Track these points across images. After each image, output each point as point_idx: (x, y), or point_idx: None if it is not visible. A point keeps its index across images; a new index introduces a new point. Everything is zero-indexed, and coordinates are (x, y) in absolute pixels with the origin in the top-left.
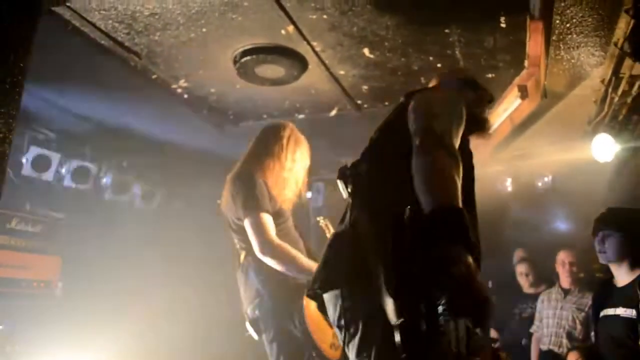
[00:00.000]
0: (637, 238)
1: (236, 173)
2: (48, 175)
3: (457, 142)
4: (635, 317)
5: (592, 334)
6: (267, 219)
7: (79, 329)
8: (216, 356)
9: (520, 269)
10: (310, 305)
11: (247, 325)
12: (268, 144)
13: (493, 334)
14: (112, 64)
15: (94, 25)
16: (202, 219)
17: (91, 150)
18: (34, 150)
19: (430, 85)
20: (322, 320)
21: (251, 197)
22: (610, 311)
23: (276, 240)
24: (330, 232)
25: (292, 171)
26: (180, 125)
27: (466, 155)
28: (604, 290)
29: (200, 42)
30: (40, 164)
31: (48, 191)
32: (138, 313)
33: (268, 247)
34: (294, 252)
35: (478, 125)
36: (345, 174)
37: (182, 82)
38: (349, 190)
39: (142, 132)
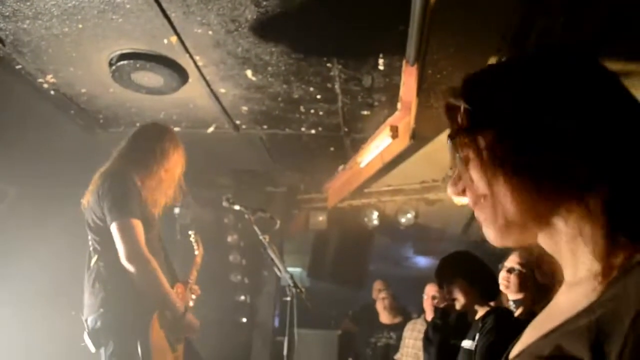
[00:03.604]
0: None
1: (108, 171)
2: None
3: None
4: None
5: None
6: (138, 226)
7: None
8: None
9: (381, 295)
10: (155, 325)
11: (85, 335)
12: (148, 143)
13: None
14: None
15: None
16: (59, 220)
17: None
18: None
19: None
20: (164, 341)
21: (122, 199)
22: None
23: (146, 251)
24: (200, 248)
25: (169, 175)
26: (42, 123)
27: None
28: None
29: (74, 38)
30: None
31: None
32: None
33: (136, 256)
34: (158, 269)
35: None
36: None
37: (50, 78)
38: None
39: None
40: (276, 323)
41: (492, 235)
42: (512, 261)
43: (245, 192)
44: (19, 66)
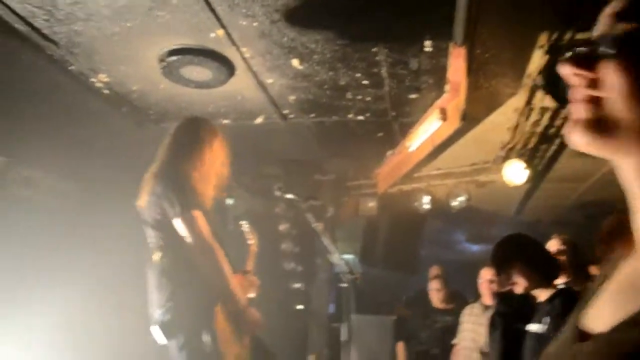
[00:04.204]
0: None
1: (161, 170)
2: None
3: None
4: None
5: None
6: (201, 218)
7: None
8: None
9: (434, 285)
10: (219, 316)
11: (153, 328)
12: (191, 137)
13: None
14: (26, 51)
15: (8, 7)
16: (117, 218)
17: None
18: None
19: None
20: (229, 331)
21: (181, 195)
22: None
23: (212, 242)
24: (253, 237)
25: (214, 167)
26: (96, 120)
27: None
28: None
29: (124, 37)
30: None
31: None
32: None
33: (202, 248)
34: (224, 260)
35: None
36: None
37: (103, 77)
38: None
39: (54, 125)
40: (331, 309)
41: (586, 136)
42: (554, 245)
43: (294, 181)
44: (72, 67)
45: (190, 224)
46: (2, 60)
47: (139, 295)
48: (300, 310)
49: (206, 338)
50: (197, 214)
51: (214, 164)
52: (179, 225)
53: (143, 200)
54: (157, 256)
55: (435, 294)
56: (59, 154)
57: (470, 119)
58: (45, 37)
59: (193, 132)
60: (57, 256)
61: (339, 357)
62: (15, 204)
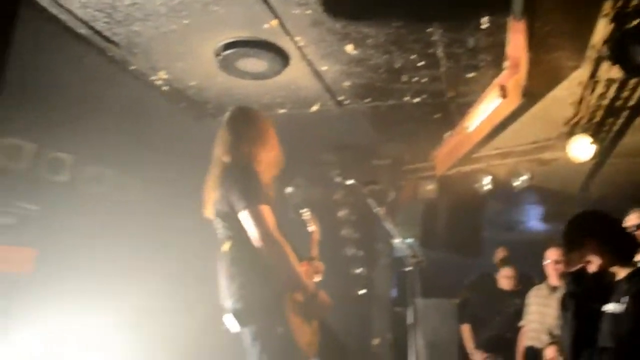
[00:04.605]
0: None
1: (225, 162)
2: (22, 166)
3: None
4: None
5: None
6: (267, 211)
7: (53, 321)
8: (198, 351)
9: (506, 273)
10: (290, 304)
11: (226, 317)
12: (248, 130)
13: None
14: (89, 54)
15: (71, 13)
16: (180, 211)
17: (66, 141)
18: (7, 140)
19: None
20: (300, 319)
21: (247, 188)
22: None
23: (277, 234)
24: (315, 224)
25: (271, 155)
26: (156, 117)
27: None
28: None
29: (181, 34)
30: (15, 154)
31: (22, 182)
32: (115, 306)
33: (268, 241)
34: (290, 251)
35: None
36: None
37: (162, 74)
38: None
39: (119, 123)
40: (393, 294)
41: None
42: (633, 220)
43: (351, 167)
44: (133, 66)
45: (257, 217)
46: (68, 64)
47: (206, 285)
48: (362, 295)
49: (279, 326)
50: (264, 208)
51: (272, 153)
52: (246, 218)
53: (209, 192)
54: (226, 246)
55: (506, 281)
56: (123, 150)
57: (531, 95)
58: (106, 39)
59: (251, 122)
60: (125, 249)
61: (403, 341)
62: (84, 200)
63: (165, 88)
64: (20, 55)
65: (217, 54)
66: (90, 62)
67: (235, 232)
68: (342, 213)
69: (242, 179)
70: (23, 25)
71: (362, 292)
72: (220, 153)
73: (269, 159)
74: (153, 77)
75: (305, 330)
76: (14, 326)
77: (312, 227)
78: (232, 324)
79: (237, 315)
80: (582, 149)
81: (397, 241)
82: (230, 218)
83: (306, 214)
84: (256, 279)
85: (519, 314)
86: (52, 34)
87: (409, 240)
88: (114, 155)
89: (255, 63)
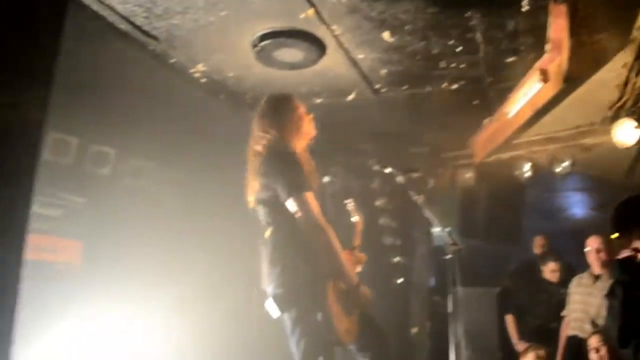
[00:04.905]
0: None
1: (267, 150)
2: (68, 160)
3: None
4: None
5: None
6: (312, 198)
7: (102, 310)
8: (241, 340)
9: (552, 267)
10: (331, 293)
11: (267, 302)
12: (284, 116)
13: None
14: (130, 49)
15: (112, 9)
16: (222, 201)
17: (109, 135)
18: (54, 135)
19: None
20: (340, 307)
21: (292, 175)
22: None
23: (323, 222)
24: (358, 214)
25: (308, 144)
26: (195, 109)
27: None
28: None
29: (219, 26)
30: (60, 148)
31: (68, 176)
32: (162, 295)
33: (314, 228)
34: (335, 239)
35: None
36: None
37: (200, 66)
38: None
39: (159, 116)
40: (432, 283)
41: None
42: None
43: (389, 155)
44: (173, 60)
45: (303, 204)
46: (109, 60)
47: (249, 273)
48: (401, 284)
49: (319, 313)
50: (309, 195)
51: (308, 139)
52: (291, 206)
53: (251, 180)
54: (268, 232)
55: (552, 275)
56: (163, 143)
57: (573, 78)
58: (146, 33)
59: (286, 108)
60: (167, 241)
61: (441, 330)
62: (127, 192)
63: (204, 80)
64: (64, 53)
65: (254, 45)
66: (131, 57)
67: (278, 218)
68: (379, 202)
69: (284, 166)
70: (67, 22)
71: (400, 280)
72: (258, 141)
73: (304, 147)
74: (192, 70)
75: (344, 318)
76: (62, 314)
77: (355, 217)
78: (272, 309)
79: (278, 300)
80: (626, 133)
81: (436, 229)
82: (272, 205)
83: (350, 204)
84: (298, 265)
85: (563, 303)
86: (93, 30)
87: (448, 229)
88: (154, 148)
89: (291, 53)
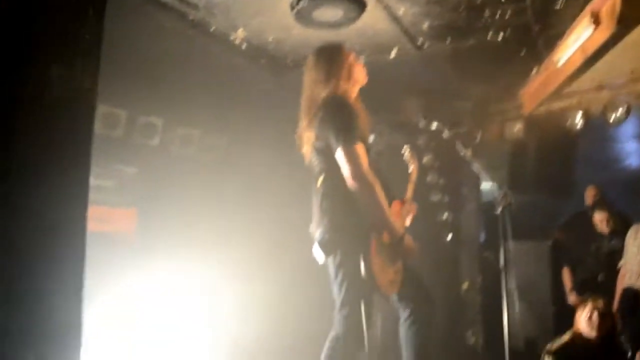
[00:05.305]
0: None
1: (326, 98)
2: (118, 132)
3: None
4: None
5: None
6: (361, 150)
7: (157, 278)
8: (299, 301)
9: (599, 217)
10: (374, 244)
11: (314, 247)
12: (339, 65)
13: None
14: (170, 19)
15: None
16: (268, 164)
17: (156, 106)
18: (103, 108)
19: None
20: (383, 259)
21: (346, 125)
22: None
23: (369, 175)
24: (414, 163)
25: (358, 89)
26: (236, 75)
27: None
28: None
29: None
30: (110, 121)
31: (119, 147)
32: (215, 261)
33: (360, 180)
34: (381, 192)
35: None
36: None
37: (240, 32)
38: None
39: (202, 85)
40: (481, 239)
41: None
42: None
43: (434, 111)
44: (213, 27)
45: (351, 156)
46: (150, 32)
47: (301, 235)
48: (449, 240)
49: (361, 259)
50: (359, 147)
51: (358, 85)
52: (339, 155)
53: (305, 132)
54: (320, 180)
55: (601, 224)
56: (206, 111)
57: (627, 20)
58: (185, 2)
59: (337, 57)
60: (216, 206)
61: (492, 285)
62: (175, 161)
63: (244, 46)
64: (107, 28)
65: (293, 7)
66: (171, 27)
67: (329, 167)
68: (426, 159)
69: (339, 116)
70: None
71: (449, 237)
72: (313, 91)
73: (356, 92)
74: (232, 37)
75: (387, 269)
76: (117, 280)
77: (411, 167)
78: (318, 254)
79: (323, 244)
80: None
81: (485, 184)
82: (325, 153)
83: (407, 153)
84: (345, 214)
85: (613, 255)
86: (133, 2)
87: (498, 183)
88: (199, 116)
89: (331, 12)
